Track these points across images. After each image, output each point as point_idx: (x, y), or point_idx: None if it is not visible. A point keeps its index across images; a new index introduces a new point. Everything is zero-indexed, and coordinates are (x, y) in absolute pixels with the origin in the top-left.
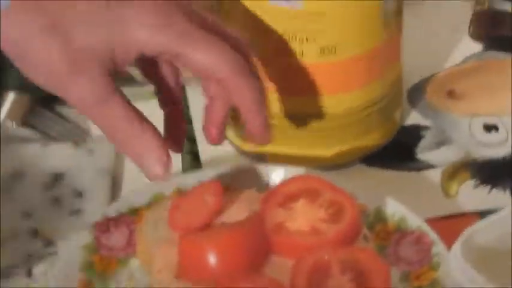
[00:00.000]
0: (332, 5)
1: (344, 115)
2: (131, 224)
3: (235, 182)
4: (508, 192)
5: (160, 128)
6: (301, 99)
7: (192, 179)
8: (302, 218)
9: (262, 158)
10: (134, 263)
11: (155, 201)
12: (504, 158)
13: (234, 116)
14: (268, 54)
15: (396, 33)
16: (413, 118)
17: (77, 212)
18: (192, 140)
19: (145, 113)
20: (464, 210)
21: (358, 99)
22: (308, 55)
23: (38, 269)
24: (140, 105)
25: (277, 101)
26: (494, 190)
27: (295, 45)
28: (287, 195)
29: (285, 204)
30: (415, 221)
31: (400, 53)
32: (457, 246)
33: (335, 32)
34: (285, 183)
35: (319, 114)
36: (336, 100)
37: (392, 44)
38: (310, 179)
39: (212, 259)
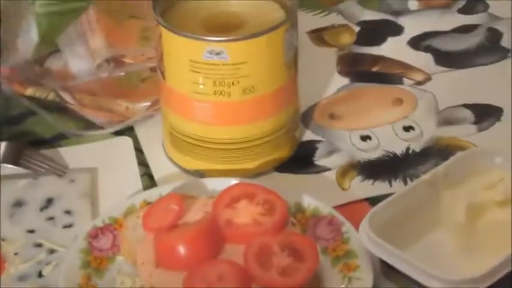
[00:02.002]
0: (251, 56)
1: (261, 137)
2: (114, 230)
3: (189, 192)
4: (387, 183)
5: (123, 164)
6: (230, 128)
7: (154, 193)
8: (245, 214)
9: (201, 174)
10: (120, 259)
11: (129, 211)
12: (379, 159)
13: (177, 142)
14: (205, 95)
15: (294, 75)
16: (308, 135)
17: (69, 226)
18: (146, 166)
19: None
20: (356, 198)
21: (270, 125)
22: (234, 95)
23: (46, 272)
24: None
25: (212, 132)
26: (376, 182)
27: (224, 88)
28: (231, 198)
29: (230, 205)
30: (325, 209)
31: (297, 89)
32: (364, 221)
33: (254, 76)
34: (228, 189)
35: (244, 138)
36: (255, 127)
37: (292, 83)
38: (246, 185)
39: (182, 251)
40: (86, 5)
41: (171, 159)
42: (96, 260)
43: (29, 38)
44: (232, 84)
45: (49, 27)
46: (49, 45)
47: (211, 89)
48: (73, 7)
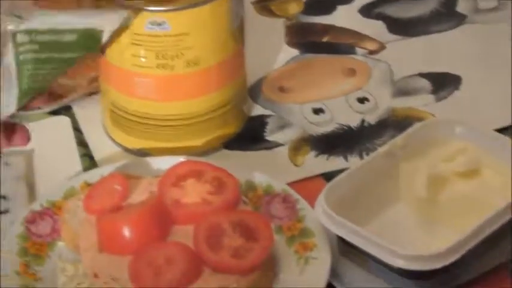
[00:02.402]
0: (194, 26)
1: (207, 112)
2: (53, 214)
3: (133, 172)
4: (342, 157)
5: (61, 145)
6: (174, 103)
7: (95, 174)
8: (193, 193)
9: (145, 153)
10: (61, 245)
11: (69, 194)
12: (333, 132)
13: (118, 120)
14: (147, 69)
15: (241, 46)
16: (258, 110)
17: (4, 212)
18: (86, 146)
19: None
20: (311, 174)
21: (216, 99)
22: (177, 68)
23: None
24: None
25: (155, 108)
26: (331, 157)
27: (167, 61)
28: (178, 177)
29: (177, 184)
30: (278, 186)
31: (244, 61)
32: (320, 198)
33: (198, 48)
34: (174, 167)
35: (189, 114)
36: (200, 101)
37: (239, 55)
38: (194, 162)
39: (127, 233)
40: (76, 57)
41: (112, 139)
42: (34, 247)
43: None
44: (176, 56)
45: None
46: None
47: (153, 62)
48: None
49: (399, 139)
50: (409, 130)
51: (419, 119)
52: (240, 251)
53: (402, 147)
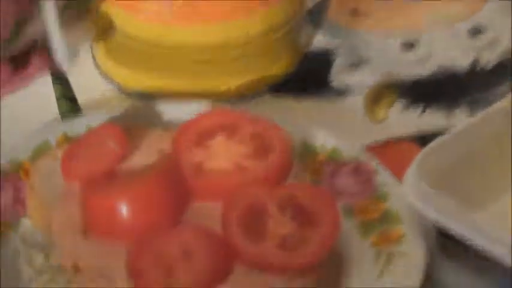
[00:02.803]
0: None
1: (246, 43)
2: (17, 180)
3: (135, 123)
4: (443, 112)
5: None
6: (198, 27)
7: (79, 124)
8: (223, 156)
9: (149, 96)
10: (26, 223)
11: (41, 152)
12: (431, 76)
13: (115, 48)
14: None
15: None
16: (320, 41)
17: None
18: (66, 83)
19: None
20: (397, 135)
21: (260, 25)
22: None
23: None
24: None
25: (170, 32)
26: (427, 111)
27: None
28: (201, 132)
29: (200, 143)
30: (349, 151)
31: None
32: (412, 169)
33: None
34: (197, 119)
35: (219, 42)
36: (236, 26)
37: None
38: (225, 112)
39: (124, 212)
40: None
41: (105, 74)
42: None
43: None
44: None
45: None
46: None
47: None
48: None
49: None
50: None
51: None
52: (291, 240)
53: None
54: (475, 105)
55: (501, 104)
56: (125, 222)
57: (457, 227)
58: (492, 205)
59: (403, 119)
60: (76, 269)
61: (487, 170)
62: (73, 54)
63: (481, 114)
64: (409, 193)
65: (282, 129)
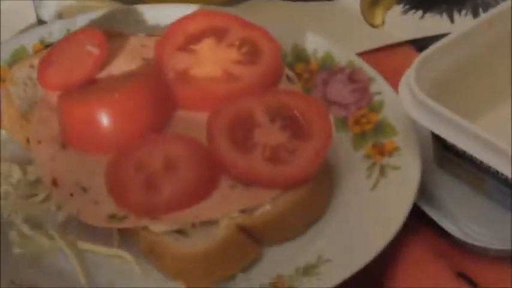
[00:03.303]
0: None
1: None
2: None
3: (115, 27)
4: (445, 16)
5: None
6: None
7: (56, 28)
8: (210, 61)
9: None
10: (3, 134)
11: (16, 57)
12: None
13: None
14: None
15: None
16: None
17: None
18: None
19: None
20: (395, 40)
21: None
22: None
23: None
24: None
25: None
26: (427, 14)
27: None
28: (187, 36)
29: (186, 47)
30: (343, 56)
31: None
32: (409, 75)
33: None
34: (182, 21)
35: None
36: None
37: None
38: (212, 14)
39: (106, 121)
40: None
41: None
42: None
43: None
44: None
45: None
46: None
47: None
48: None
49: None
50: None
51: None
52: (281, 152)
53: None
54: (481, 7)
55: (503, 7)
56: (105, 132)
57: (454, 136)
58: (492, 113)
59: (402, 23)
60: (55, 183)
61: (487, 77)
62: None
63: (482, 17)
64: (404, 101)
65: (269, 34)
